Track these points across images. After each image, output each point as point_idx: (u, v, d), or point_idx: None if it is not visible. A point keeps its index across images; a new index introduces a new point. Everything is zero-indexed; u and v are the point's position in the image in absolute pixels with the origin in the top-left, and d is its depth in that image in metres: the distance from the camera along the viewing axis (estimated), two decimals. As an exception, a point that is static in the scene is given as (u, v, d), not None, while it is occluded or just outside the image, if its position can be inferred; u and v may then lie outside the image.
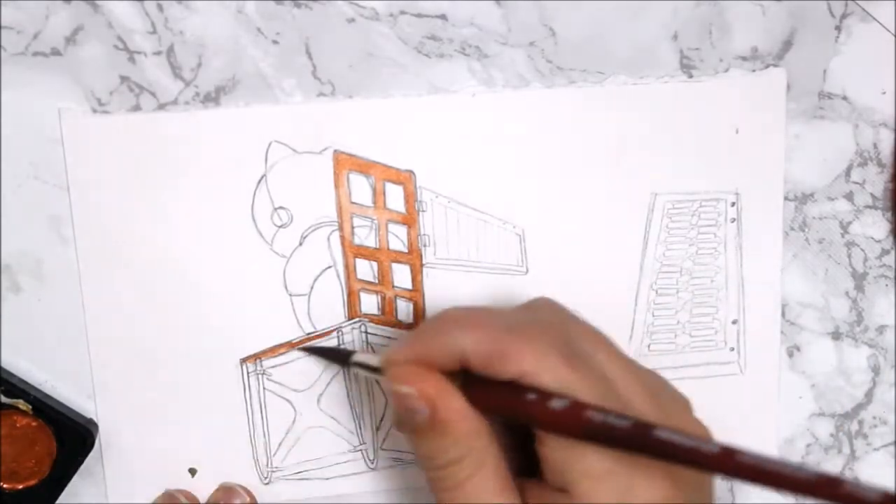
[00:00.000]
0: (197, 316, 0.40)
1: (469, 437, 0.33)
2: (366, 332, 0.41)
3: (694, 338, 0.43)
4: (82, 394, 0.40)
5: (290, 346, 0.41)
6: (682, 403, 0.36)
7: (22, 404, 0.39)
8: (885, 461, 0.45)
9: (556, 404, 0.32)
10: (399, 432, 0.35)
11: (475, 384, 0.33)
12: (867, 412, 0.45)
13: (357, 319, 0.41)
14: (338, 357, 0.40)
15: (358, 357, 0.38)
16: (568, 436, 0.32)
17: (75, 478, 0.40)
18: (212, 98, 0.39)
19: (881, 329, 0.44)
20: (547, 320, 0.35)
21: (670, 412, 0.34)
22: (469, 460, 0.33)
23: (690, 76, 0.41)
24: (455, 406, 0.33)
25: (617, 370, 0.34)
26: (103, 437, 0.41)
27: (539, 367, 0.32)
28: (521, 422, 0.33)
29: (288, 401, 0.42)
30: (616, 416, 0.31)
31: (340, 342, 0.41)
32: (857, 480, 0.32)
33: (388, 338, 0.42)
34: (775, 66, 0.41)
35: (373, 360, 0.36)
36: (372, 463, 0.42)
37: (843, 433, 0.45)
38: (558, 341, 0.33)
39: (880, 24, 0.41)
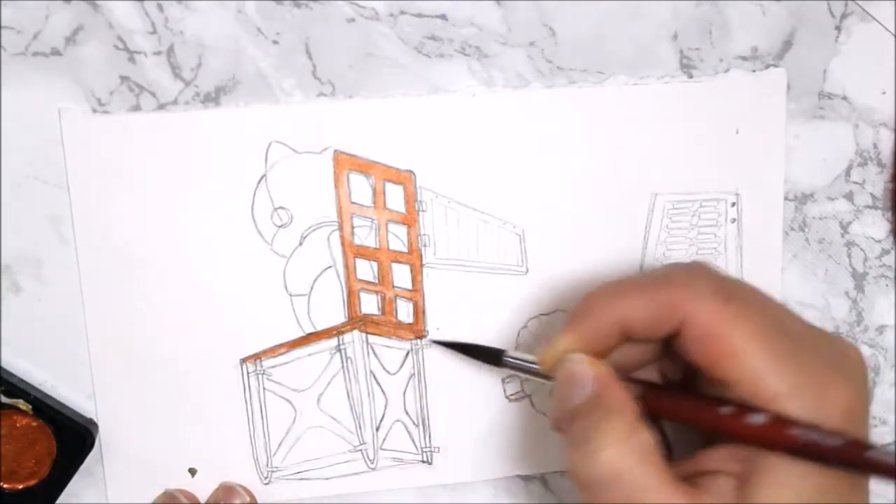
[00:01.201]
0: (197, 316, 0.40)
1: (632, 424, 0.32)
2: (366, 332, 0.41)
3: (694, 338, 0.43)
4: (82, 394, 0.40)
5: (290, 346, 0.41)
6: (832, 335, 0.35)
7: (22, 404, 0.39)
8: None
9: (754, 420, 0.31)
10: (556, 429, 0.34)
11: (663, 397, 0.34)
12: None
13: (357, 319, 0.41)
14: (489, 356, 0.38)
15: (512, 354, 0.37)
16: (768, 450, 0.31)
17: (75, 478, 0.40)
18: (212, 98, 0.39)
19: (881, 329, 0.44)
20: (694, 266, 0.35)
21: (824, 339, 0.34)
22: (630, 448, 0.32)
23: (690, 76, 0.41)
24: (621, 388, 0.33)
25: (775, 307, 0.34)
26: (103, 437, 0.41)
27: (698, 307, 0.32)
28: (711, 433, 0.33)
29: (288, 401, 0.42)
30: (825, 434, 0.31)
31: (340, 342, 0.41)
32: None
33: (388, 339, 0.42)
34: (775, 66, 0.41)
35: (528, 356, 0.36)
36: (372, 463, 0.42)
37: (843, 433, 0.45)
38: (713, 280, 0.33)
39: (880, 24, 0.41)
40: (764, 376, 0.31)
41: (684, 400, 0.34)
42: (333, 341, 0.41)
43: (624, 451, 0.32)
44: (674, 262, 0.37)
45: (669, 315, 0.33)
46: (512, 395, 0.43)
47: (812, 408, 0.31)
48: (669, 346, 0.34)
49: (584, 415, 0.33)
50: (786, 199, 0.42)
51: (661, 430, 0.35)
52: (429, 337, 0.42)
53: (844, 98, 0.42)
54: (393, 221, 0.41)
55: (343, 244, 0.41)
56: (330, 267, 0.41)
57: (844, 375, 0.32)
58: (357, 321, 0.41)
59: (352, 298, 0.41)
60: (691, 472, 0.33)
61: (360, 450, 0.42)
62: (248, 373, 0.41)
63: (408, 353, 0.42)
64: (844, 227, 0.43)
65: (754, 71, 0.41)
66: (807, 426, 0.31)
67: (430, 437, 0.43)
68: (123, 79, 0.39)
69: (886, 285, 0.44)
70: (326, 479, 0.42)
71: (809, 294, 0.43)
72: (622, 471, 0.31)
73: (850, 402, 0.32)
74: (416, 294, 0.41)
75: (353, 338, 0.41)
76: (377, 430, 0.42)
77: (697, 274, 0.33)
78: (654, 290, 0.33)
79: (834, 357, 0.33)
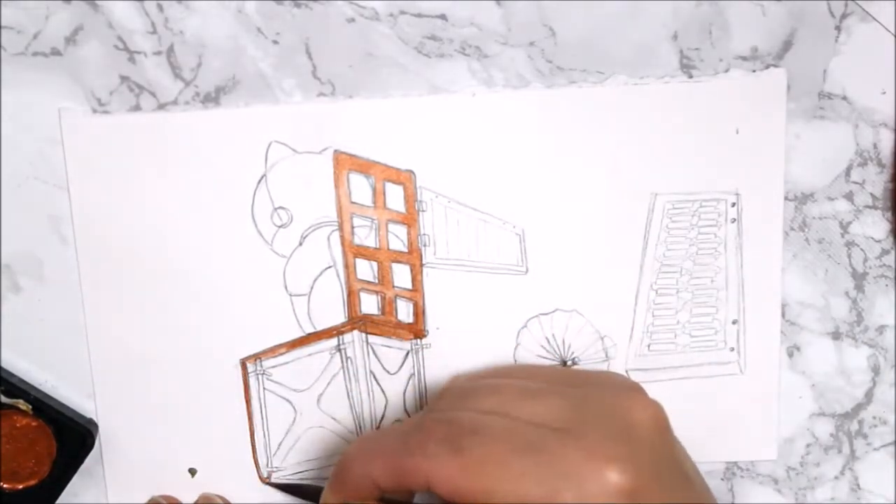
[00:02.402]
0: (197, 316, 0.40)
1: None
2: (366, 332, 0.41)
3: (694, 338, 0.43)
4: (82, 394, 0.40)
5: (290, 346, 0.41)
6: (615, 394, 0.35)
7: (22, 404, 0.39)
8: (885, 461, 0.45)
9: None
10: None
11: None
12: (867, 412, 0.45)
13: (357, 319, 0.41)
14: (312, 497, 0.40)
15: None
16: None
17: (75, 478, 0.40)
18: (212, 98, 0.39)
19: (881, 329, 0.44)
20: (433, 418, 0.35)
21: (596, 414, 0.34)
22: None
23: (690, 76, 0.41)
24: None
25: (526, 407, 0.34)
26: (103, 437, 0.41)
27: (436, 471, 0.33)
28: None
29: (288, 401, 0.42)
30: None
31: (340, 342, 0.41)
32: None
33: (388, 339, 0.42)
34: (775, 66, 0.41)
35: None
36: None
37: (843, 433, 0.45)
38: (445, 434, 0.33)
39: (880, 24, 0.41)
40: (521, 498, 0.32)
41: None
42: (333, 341, 0.41)
43: None
44: (435, 395, 0.38)
45: (413, 480, 0.33)
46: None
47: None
48: None
49: None
50: (786, 199, 0.42)
51: None
52: (423, 338, 0.42)
53: (844, 98, 0.42)
54: (393, 221, 0.41)
55: (343, 244, 0.41)
56: (330, 267, 0.41)
57: (611, 455, 0.32)
58: (357, 321, 0.41)
59: (352, 298, 0.41)
60: None
61: (360, 450, 0.42)
62: (248, 373, 0.41)
63: (408, 353, 0.42)
64: (844, 227, 0.43)
65: (754, 71, 0.41)
66: None
67: (430, 437, 0.42)
68: (123, 79, 0.39)
69: (886, 285, 0.44)
70: (326, 479, 0.42)
71: (809, 294, 0.43)
72: None
73: (621, 481, 0.32)
74: (416, 294, 0.41)
75: (353, 338, 0.41)
76: (377, 430, 0.42)
77: (430, 433, 0.34)
78: (393, 457, 0.34)
79: (603, 436, 0.33)
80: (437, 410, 0.36)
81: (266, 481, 0.42)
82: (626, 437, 0.33)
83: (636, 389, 0.36)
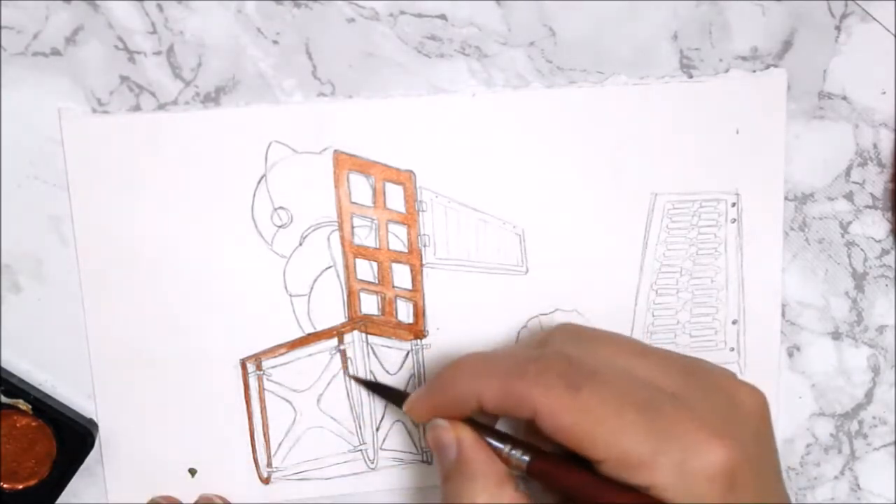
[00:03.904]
0: (197, 316, 0.40)
1: (495, 484, 0.34)
2: (366, 333, 0.41)
3: (694, 338, 0.43)
4: (82, 394, 0.40)
5: (290, 346, 0.41)
6: (723, 377, 0.35)
7: (22, 404, 0.39)
8: (885, 461, 0.45)
9: None
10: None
11: (546, 465, 0.34)
12: (867, 412, 0.45)
13: (357, 320, 0.41)
14: (397, 399, 0.39)
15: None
16: None
17: (75, 478, 0.40)
18: (212, 98, 0.39)
19: (881, 329, 0.44)
20: (552, 350, 0.35)
21: (707, 387, 0.34)
22: None
23: (690, 76, 0.41)
24: (480, 450, 0.34)
25: (642, 365, 0.34)
26: (103, 437, 0.41)
27: (547, 402, 0.32)
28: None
29: (288, 401, 0.42)
30: None
31: (340, 343, 0.41)
32: None
33: (388, 339, 0.42)
34: (775, 66, 0.41)
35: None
36: (372, 463, 0.42)
37: (843, 433, 0.45)
38: (564, 369, 0.33)
39: (880, 24, 0.41)
40: (624, 452, 0.32)
41: (563, 474, 0.34)
42: (333, 341, 0.41)
43: None
44: (544, 335, 0.38)
45: (520, 406, 0.33)
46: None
47: (677, 472, 0.31)
48: None
49: (451, 480, 0.35)
50: (786, 199, 0.42)
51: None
52: (423, 341, 0.42)
53: (844, 98, 0.42)
54: (393, 221, 0.41)
55: (343, 244, 0.41)
56: (330, 267, 0.41)
57: (721, 432, 0.32)
58: (357, 321, 0.41)
59: (352, 299, 0.41)
60: None
61: (360, 450, 0.42)
62: (247, 373, 0.41)
63: (408, 354, 0.42)
64: (844, 227, 0.43)
65: (754, 71, 0.41)
66: None
67: (430, 437, 0.43)
68: (123, 79, 0.39)
69: (886, 285, 0.44)
70: (326, 479, 0.42)
71: (809, 294, 0.43)
72: None
73: (726, 461, 0.31)
74: (416, 294, 0.41)
75: (353, 338, 0.41)
76: (377, 430, 0.42)
77: (549, 365, 0.33)
78: (507, 380, 0.34)
79: (715, 412, 0.33)
80: (552, 345, 0.36)
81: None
82: (733, 418, 0.33)
83: (735, 375, 0.36)
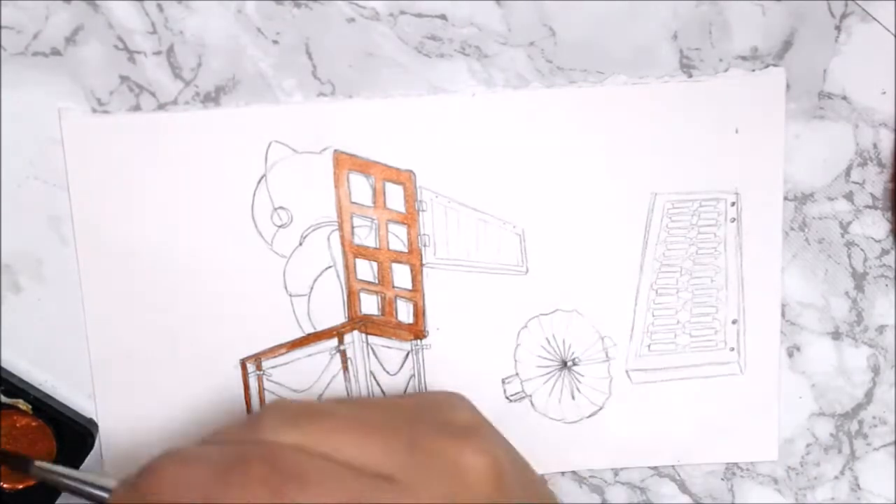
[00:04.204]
0: (197, 316, 0.40)
1: None
2: (366, 333, 0.41)
3: (694, 338, 0.43)
4: (82, 394, 0.40)
5: (290, 346, 0.41)
6: (453, 438, 0.33)
7: (22, 404, 0.39)
8: (885, 461, 0.45)
9: None
10: None
11: None
12: (867, 412, 0.45)
13: (357, 320, 0.41)
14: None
15: None
16: None
17: (75, 478, 0.40)
18: (212, 98, 0.39)
19: (881, 329, 0.44)
20: (260, 450, 0.32)
21: (431, 460, 0.32)
22: None
23: (690, 76, 0.41)
24: None
25: (357, 443, 0.32)
26: (103, 437, 0.41)
27: None
28: None
29: (288, 401, 0.42)
30: None
31: (340, 343, 0.41)
32: None
33: (388, 339, 0.42)
34: (775, 66, 0.41)
35: None
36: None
37: (843, 433, 0.45)
38: (273, 476, 0.30)
39: (880, 24, 0.41)
40: None
41: None
42: (333, 342, 0.41)
43: None
44: (246, 421, 0.35)
45: None
46: (512, 395, 0.43)
47: None
48: None
49: None
50: (786, 199, 0.42)
51: None
52: (424, 340, 0.42)
53: (844, 98, 0.42)
54: (393, 221, 0.41)
55: (343, 244, 0.41)
56: (330, 267, 0.41)
57: None
58: (357, 321, 0.41)
59: (352, 299, 0.41)
60: None
61: (360, 450, 0.42)
62: (247, 373, 0.41)
63: (408, 354, 0.42)
64: (844, 227, 0.43)
65: (754, 71, 0.41)
66: None
67: (430, 437, 0.42)
68: (123, 79, 0.39)
69: (886, 285, 0.44)
70: (326, 479, 0.42)
71: (809, 294, 0.43)
72: None
73: None
74: (416, 294, 0.41)
75: (353, 338, 0.41)
76: (377, 430, 0.42)
77: (254, 470, 0.31)
78: (208, 493, 0.31)
79: (432, 486, 0.31)
80: (261, 431, 0.33)
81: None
82: (457, 487, 0.32)
83: (472, 430, 0.34)
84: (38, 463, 0.35)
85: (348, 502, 0.30)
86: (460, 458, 0.33)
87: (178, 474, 0.32)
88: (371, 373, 0.42)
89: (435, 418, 0.35)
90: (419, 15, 0.39)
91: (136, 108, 0.39)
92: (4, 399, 0.39)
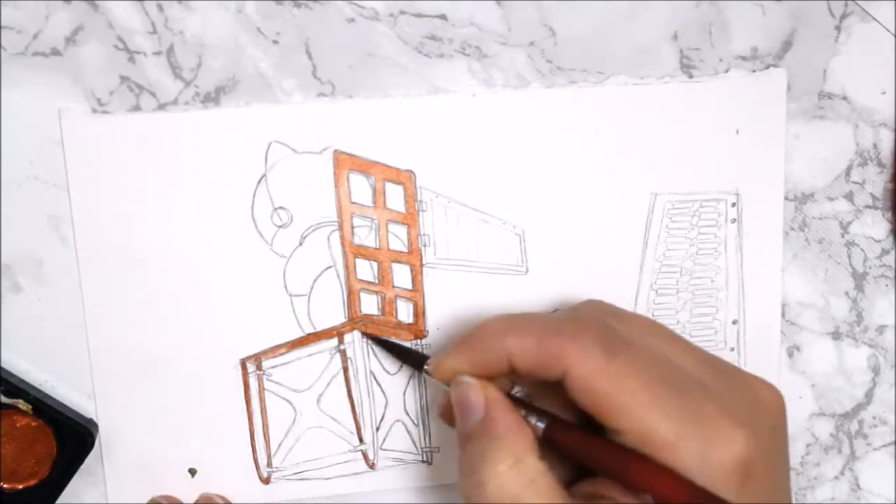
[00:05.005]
0: (197, 316, 0.40)
1: (520, 449, 0.33)
2: (366, 333, 0.41)
3: (694, 338, 0.43)
4: (82, 394, 0.40)
5: (290, 346, 0.41)
6: (742, 371, 0.35)
7: (22, 404, 0.39)
8: (885, 461, 0.45)
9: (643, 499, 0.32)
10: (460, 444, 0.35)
11: (563, 433, 0.34)
12: (867, 412, 0.45)
13: (357, 320, 0.41)
14: (415, 360, 0.39)
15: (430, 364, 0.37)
16: None
17: (75, 478, 0.40)
18: (212, 98, 0.39)
19: (881, 329, 0.44)
20: (589, 316, 0.35)
21: (729, 379, 0.34)
22: (517, 474, 0.32)
23: (690, 76, 0.41)
24: (509, 412, 0.34)
25: (670, 348, 0.34)
26: (103, 437, 0.41)
27: (581, 362, 0.32)
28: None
29: (288, 401, 0.42)
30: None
31: (340, 343, 0.41)
32: None
33: (388, 339, 0.42)
34: (775, 66, 0.41)
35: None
36: (372, 463, 0.42)
37: (843, 433, 0.45)
38: (601, 333, 0.33)
39: (880, 24, 0.41)
40: (649, 427, 0.32)
41: (584, 443, 0.33)
42: (333, 341, 0.41)
43: (510, 479, 0.32)
44: (575, 306, 0.38)
45: (553, 363, 0.33)
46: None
47: (699, 457, 0.31)
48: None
49: (475, 440, 0.34)
50: (786, 199, 0.42)
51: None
52: (424, 340, 0.42)
53: (844, 98, 0.42)
54: (393, 221, 0.41)
55: (343, 244, 0.41)
56: (330, 267, 0.41)
57: (742, 423, 0.32)
58: (357, 321, 0.41)
59: (352, 298, 0.41)
60: (591, 494, 0.33)
61: (360, 450, 0.42)
62: (247, 373, 0.41)
63: (408, 353, 0.42)
64: (844, 227, 0.43)
65: (754, 71, 0.41)
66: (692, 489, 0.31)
67: (430, 437, 0.43)
68: (123, 79, 0.39)
69: (886, 285, 0.44)
70: (326, 479, 0.42)
71: (809, 294, 0.43)
72: (508, 500, 0.32)
73: (745, 451, 0.31)
74: (416, 294, 0.41)
75: (354, 338, 0.41)
76: (377, 430, 0.42)
77: (587, 327, 0.33)
78: (542, 336, 0.33)
79: (737, 403, 0.33)
80: (584, 313, 0.35)
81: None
82: (753, 412, 0.33)
83: (751, 374, 0.36)
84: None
85: (664, 383, 0.32)
86: (755, 387, 0.34)
87: (511, 322, 0.34)
88: (371, 372, 0.42)
89: (717, 357, 0.36)
90: (419, 15, 0.39)
91: (136, 108, 0.39)
92: (4, 399, 0.39)
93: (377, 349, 0.41)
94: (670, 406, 0.32)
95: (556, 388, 0.34)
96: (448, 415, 0.36)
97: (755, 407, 0.33)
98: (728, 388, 0.33)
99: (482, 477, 0.32)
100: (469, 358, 0.35)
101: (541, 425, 0.34)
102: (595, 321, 0.34)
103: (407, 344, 0.42)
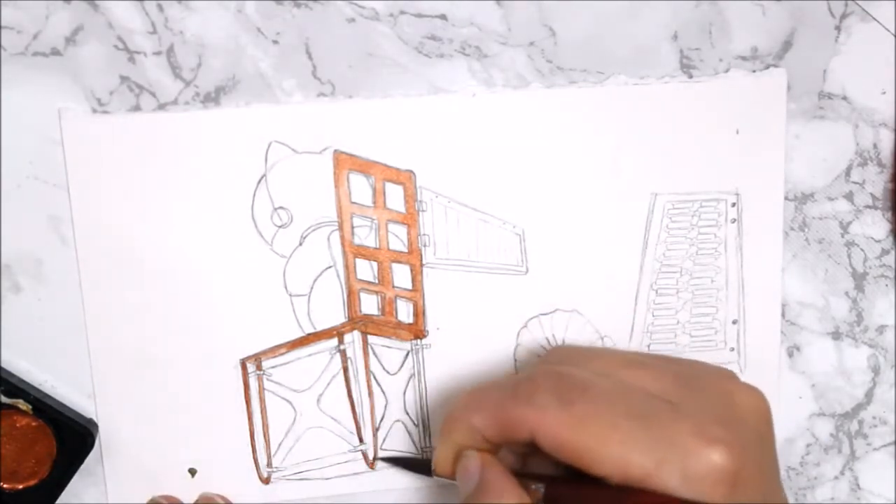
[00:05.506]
0: (197, 316, 0.40)
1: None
2: (366, 333, 0.41)
3: (694, 338, 0.43)
4: (82, 394, 0.40)
5: (290, 346, 0.41)
6: (719, 378, 0.35)
7: (22, 404, 0.39)
8: (885, 461, 0.45)
9: None
10: None
11: (562, 488, 0.34)
12: (867, 412, 0.45)
13: (357, 320, 0.41)
14: (424, 468, 0.40)
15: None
16: None
17: (75, 478, 0.40)
18: (212, 98, 0.39)
19: (881, 329, 0.44)
20: (543, 370, 0.35)
21: (703, 391, 0.34)
22: None
23: (690, 76, 0.41)
24: (501, 473, 0.34)
25: (636, 375, 0.34)
26: (103, 437, 0.41)
27: (541, 419, 0.33)
28: None
29: (288, 401, 0.42)
30: None
31: (340, 343, 0.41)
32: None
33: (388, 339, 0.42)
34: (775, 66, 0.41)
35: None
36: (372, 463, 0.42)
37: (843, 433, 0.45)
38: (555, 385, 0.33)
39: (880, 24, 0.41)
40: (624, 463, 0.32)
41: (580, 494, 0.34)
42: (333, 341, 0.41)
43: None
44: (541, 358, 0.39)
45: (517, 429, 0.33)
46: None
47: (681, 478, 0.31)
48: None
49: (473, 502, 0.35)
50: (786, 199, 0.42)
51: None
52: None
53: (844, 98, 0.42)
54: (393, 221, 0.41)
55: (343, 244, 0.41)
56: (330, 267, 0.41)
57: (718, 435, 0.32)
58: (357, 321, 0.41)
59: (352, 298, 0.41)
60: None
61: (360, 450, 0.42)
62: (247, 373, 0.41)
63: (408, 354, 0.42)
64: (844, 227, 0.43)
65: (754, 71, 0.41)
66: None
67: (430, 437, 0.43)
68: (123, 79, 0.39)
69: (886, 285, 0.44)
70: (326, 479, 0.42)
71: (809, 294, 0.43)
72: None
73: (726, 461, 0.31)
74: (416, 294, 0.41)
75: (353, 338, 0.41)
76: (377, 430, 0.42)
77: (539, 384, 0.34)
78: (499, 406, 0.34)
79: (711, 415, 0.33)
80: (546, 364, 0.36)
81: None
82: (732, 420, 0.33)
83: (734, 376, 0.36)
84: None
85: (628, 417, 0.32)
86: (734, 393, 0.34)
87: (471, 399, 0.35)
88: (371, 373, 0.42)
89: (693, 365, 0.36)
90: (419, 15, 0.39)
91: (136, 108, 0.39)
92: (4, 399, 0.39)
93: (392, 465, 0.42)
94: (640, 436, 0.32)
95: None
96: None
97: (734, 415, 0.33)
98: (701, 401, 0.33)
99: None
100: (452, 446, 0.36)
101: (541, 488, 0.34)
102: (547, 374, 0.34)
103: (406, 345, 0.42)
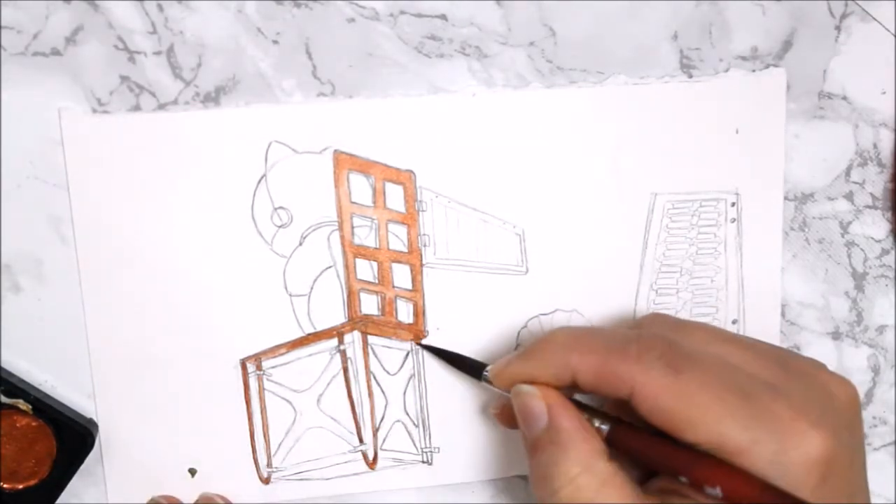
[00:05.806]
0: (197, 316, 0.40)
1: (588, 454, 0.33)
2: (366, 333, 0.41)
3: (694, 338, 0.43)
4: (82, 394, 0.40)
5: (290, 346, 0.41)
6: (814, 367, 0.35)
7: (22, 404, 0.39)
8: (885, 461, 0.45)
9: (711, 492, 0.32)
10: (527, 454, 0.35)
11: (629, 437, 0.34)
12: (867, 412, 0.45)
13: (357, 320, 0.41)
14: (472, 369, 0.39)
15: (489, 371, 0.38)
16: None
17: (75, 478, 0.40)
18: (212, 98, 0.39)
19: (881, 329, 0.44)
20: (652, 333, 0.35)
21: (800, 377, 0.34)
22: (589, 478, 0.33)
23: (690, 76, 0.41)
24: (573, 418, 0.34)
25: (737, 353, 0.34)
26: (103, 437, 0.41)
27: (648, 382, 0.32)
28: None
29: (288, 401, 0.42)
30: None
31: (340, 343, 0.41)
32: None
33: (388, 339, 0.42)
34: (775, 66, 0.41)
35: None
36: (372, 463, 0.42)
37: (843, 433, 0.45)
38: (665, 351, 0.33)
39: (880, 24, 0.41)
40: (722, 437, 0.32)
41: (650, 446, 0.34)
42: (333, 342, 0.41)
43: (582, 485, 0.33)
44: (638, 321, 0.38)
45: (618, 384, 0.33)
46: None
47: (773, 459, 0.31)
48: None
49: (542, 449, 0.34)
50: (786, 199, 0.42)
51: None
52: (423, 340, 0.42)
53: (844, 98, 0.42)
54: (393, 221, 0.41)
55: (343, 244, 0.41)
56: (330, 267, 0.41)
57: (816, 422, 0.32)
58: (357, 321, 0.41)
59: (352, 298, 0.41)
60: (664, 490, 0.34)
61: (360, 450, 0.42)
62: (247, 373, 0.41)
63: (408, 354, 0.42)
64: (844, 227, 0.43)
65: (754, 71, 0.41)
66: (765, 488, 0.31)
67: (430, 437, 0.43)
68: (123, 79, 0.39)
69: (886, 285, 0.44)
70: (326, 479, 0.42)
71: (809, 294, 0.43)
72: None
73: (822, 451, 0.31)
74: (416, 294, 0.41)
75: (353, 338, 0.41)
76: (377, 430, 0.42)
77: (651, 346, 0.33)
78: (607, 356, 0.34)
79: (811, 402, 0.33)
80: (649, 329, 0.36)
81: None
82: (828, 409, 0.33)
83: (825, 366, 0.36)
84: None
85: (732, 392, 0.32)
86: (828, 383, 0.34)
87: (576, 338, 0.34)
88: (371, 372, 0.42)
89: (787, 351, 0.36)
90: (419, 15, 0.39)
91: (136, 108, 0.39)
92: (4, 399, 0.39)
93: (436, 359, 0.41)
94: (741, 413, 0.32)
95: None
96: (504, 417, 0.37)
97: (829, 404, 0.33)
98: (799, 387, 0.33)
99: (555, 485, 0.33)
100: (531, 368, 0.35)
101: (605, 428, 0.34)
102: (659, 339, 0.34)
103: (406, 345, 0.42)
